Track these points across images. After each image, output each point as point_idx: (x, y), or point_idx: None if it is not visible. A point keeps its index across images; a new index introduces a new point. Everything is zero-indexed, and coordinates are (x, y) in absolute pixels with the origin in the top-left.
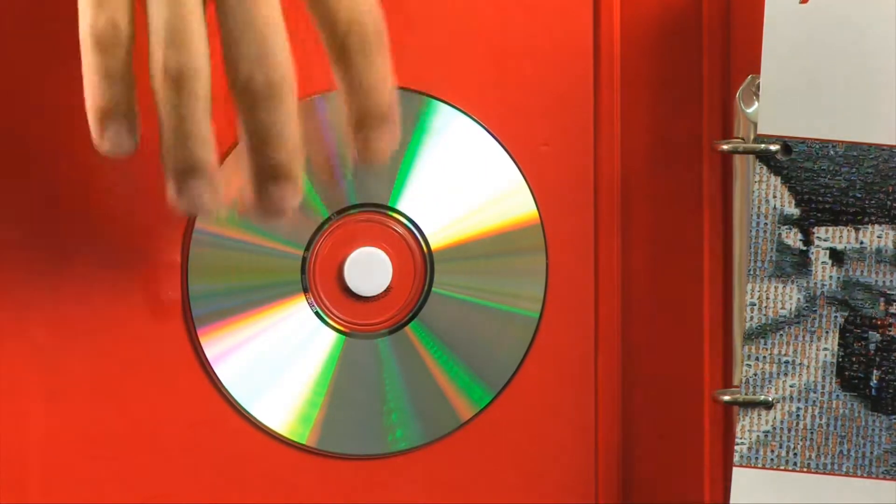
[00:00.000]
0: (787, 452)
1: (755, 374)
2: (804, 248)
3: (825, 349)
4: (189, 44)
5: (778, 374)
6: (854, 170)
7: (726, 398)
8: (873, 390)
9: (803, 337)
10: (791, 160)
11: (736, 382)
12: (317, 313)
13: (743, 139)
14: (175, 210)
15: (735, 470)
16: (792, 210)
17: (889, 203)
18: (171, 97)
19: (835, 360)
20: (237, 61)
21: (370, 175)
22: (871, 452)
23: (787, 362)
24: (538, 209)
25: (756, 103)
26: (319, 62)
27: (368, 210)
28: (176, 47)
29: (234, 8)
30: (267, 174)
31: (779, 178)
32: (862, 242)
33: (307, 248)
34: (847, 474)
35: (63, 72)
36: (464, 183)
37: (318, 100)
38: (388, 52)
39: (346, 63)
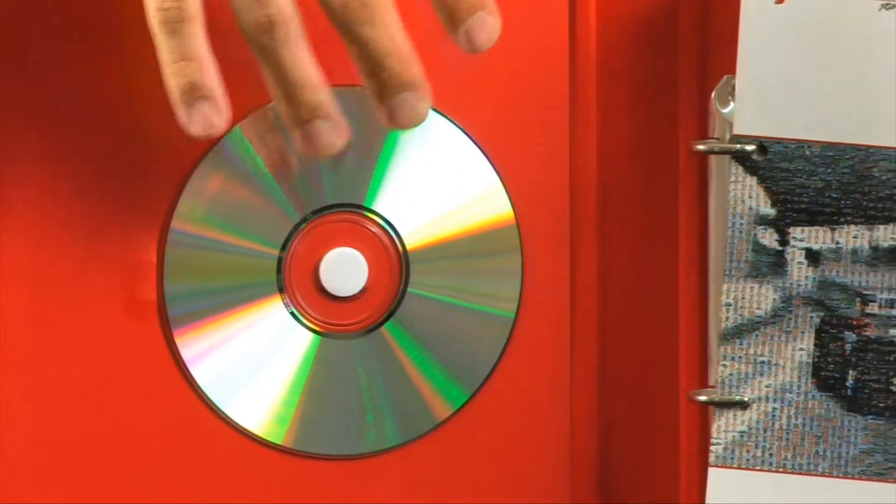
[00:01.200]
0: (763, 453)
1: (731, 375)
2: (780, 249)
3: (801, 349)
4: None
5: (754, 374)
6: (830, 170)
7: (702, 398)
8: (849, 390)
9: (779, 337)
10: (767, 160)
11: (712, 382)
12: (292, 314)
13: (719, 139)
14: (303, 154)
15: (711, 470)
16: (768, 210)
17: (865, 203)
18: (272, 48)
19: (811, 361)
20: None
21: (346, 175)
22: (847, 453)
23: (762, 362)
24: (514, 210)
25: (732, 104)
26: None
27: (344, 210)
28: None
29: None
30: (394, 87)
31: (755, 179)
32: (838, 243)
33: (283, 249)
34: (823, 474)
35: (37, 68)
36: (440, 184)
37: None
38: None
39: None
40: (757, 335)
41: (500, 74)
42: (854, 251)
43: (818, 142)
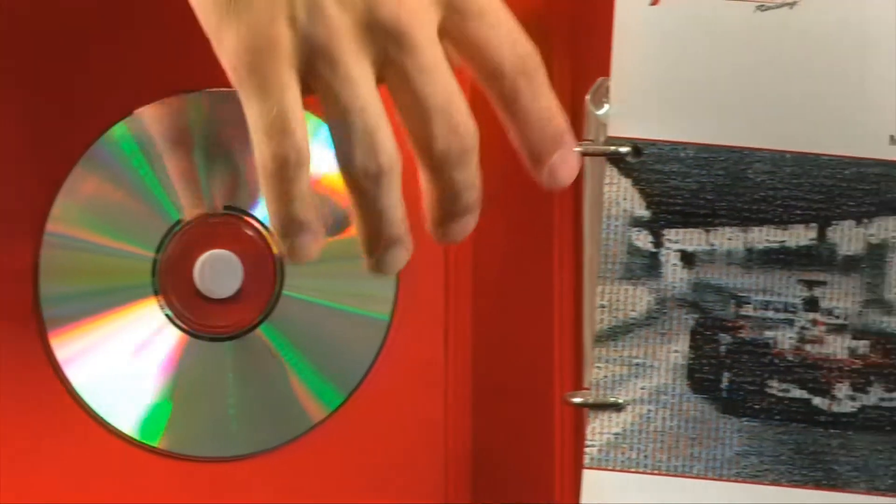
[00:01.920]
0: (638, 454)
1: (605, 377)
2: (655, 251)
3: (676, 351)
4: (385, 141)
5: (629, 376)
6: (705, 172)
7: (577, 400)
8: (724, 392)
9: (654, 339)
10: (641, 162)
11: (586, 384)
12: (168, 315)
13: (593, 141)
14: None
15: (585, 472)
16: (642, 212)
17: (740, 205)
18: (375, 194)
19: (685, 363)
20: (433, 136)
21: (222, 178)
22: (723, 454)
23: (637, 364)
24: None
25: (606, 106)
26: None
27: (220, 213)
28: (369, 149)
29: (425, 83)
30: (454, 216)
31: (629, 181)
32: (713, 244)
33: (158, 250)
34: (698, 476)
35: None
36: (316, 187)
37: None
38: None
39: (516, 103)
40: (631, 337)
41: None
42: (728, 253)
43: (693, 144)
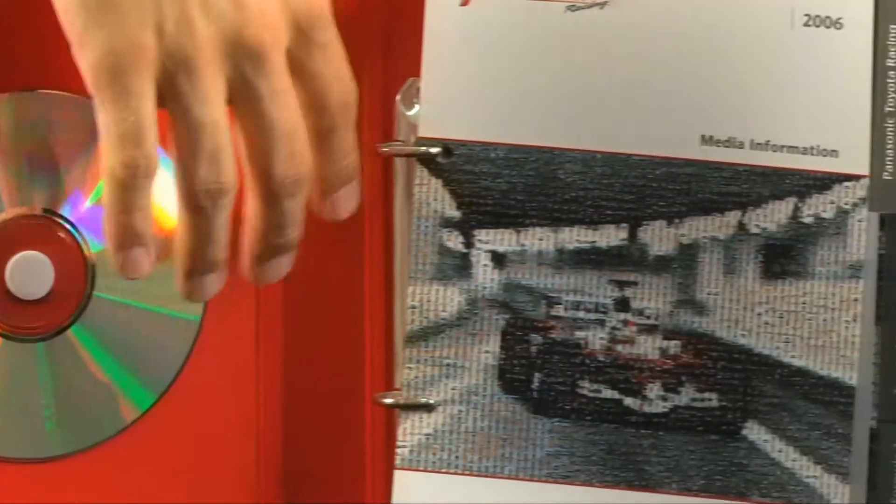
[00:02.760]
0: (450, 455)
1: (417, 377)
2: (465, 251)
3: (487, 352)
4: (228, 161)
5: (440, 376)
6: (515, 172)
7: (388, 401)
8: (535, 393)
9: (465, 339)
10: (452, 163)
11: (398, 385)
12: None
13: (404, 142)
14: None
15: (396, 473)
16: (453, 213)
17: (550, 205)
18: (211, 214)
19: (496, 363)
20: (274, 161)
21: (35, 179)
22: (534, 455)
23: (448, 365)
24: None
25: (417, 106)
26: None
27: (38, 215)
28: (213, 167)
29: (275, 108)
30: (276, 251)
31: (440, 181)
32: (523, 245)
33: None
34: (510, 477)
35: None
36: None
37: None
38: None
39: (329, 137)
40: (443, 337)
41: None
42: (539, 253)
43: (503, 144)
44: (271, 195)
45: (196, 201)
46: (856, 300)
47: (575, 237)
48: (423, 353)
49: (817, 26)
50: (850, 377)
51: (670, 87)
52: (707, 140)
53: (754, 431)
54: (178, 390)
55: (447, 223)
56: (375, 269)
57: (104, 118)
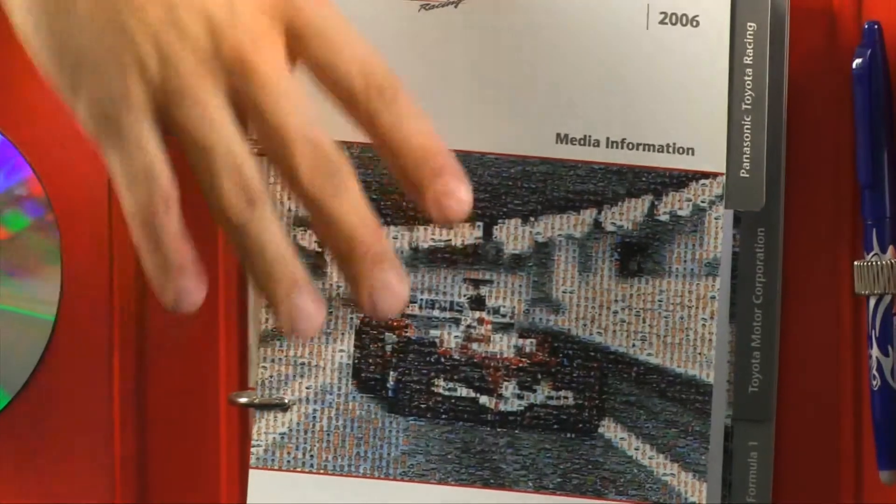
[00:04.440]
0: (304, 454)
1: (271, 376)
2: (319, 250)
3: (341, 350)
4: (248, 172)
5: (294, 375)
6: (370, 171)
7: (242, 400)
8: (390, 392)
9: (319, 338)
10: None
11: (252, 384)
12: None
13: (256, 142)
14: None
15: (251, 472)
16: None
17: (404, 204)
18: (249, 230)
19: (351, 362)
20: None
21: None
22: (389, 454)
23: (303, 364)
24: (53, 212)
25: None
26: None
27: None
28: (236, 184)
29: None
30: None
31: None
32: None
33: None
34: (364, 476)
35: None
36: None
37: None
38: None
39: (375, 124)
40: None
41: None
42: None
43: (357, 143)
44: (309, 199)
45: (231, 222)
46: (712, 298)
47: (429, 236)
48: (278, 353)
49: (673, 24)
50: (707, 375)
51: (525, 86)
52: (562, 139)
53: (610, 429)
54: (33, 390)
55: (301, 222)
56: (230, 268)
57: (112, 166)
